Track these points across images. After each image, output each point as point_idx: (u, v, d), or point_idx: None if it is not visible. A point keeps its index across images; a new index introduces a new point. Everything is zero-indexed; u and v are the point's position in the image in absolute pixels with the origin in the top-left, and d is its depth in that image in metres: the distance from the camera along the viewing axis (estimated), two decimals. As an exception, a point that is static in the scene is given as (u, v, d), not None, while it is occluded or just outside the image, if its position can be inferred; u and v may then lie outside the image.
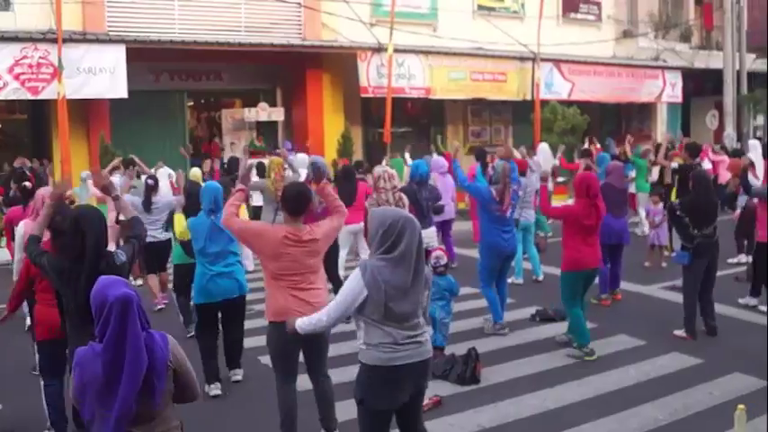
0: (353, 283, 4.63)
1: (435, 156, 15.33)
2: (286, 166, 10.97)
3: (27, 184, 11.32)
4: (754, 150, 16.92)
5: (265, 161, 12.97)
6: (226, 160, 16.37)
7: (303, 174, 11.59)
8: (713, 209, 9.24)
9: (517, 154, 14.55)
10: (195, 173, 13.01)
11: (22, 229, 7.86)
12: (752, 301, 10.58)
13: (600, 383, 7.65)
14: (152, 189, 10.90)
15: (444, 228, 13.27)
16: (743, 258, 12.98)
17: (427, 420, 5.37)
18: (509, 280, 11.77)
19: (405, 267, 4.58)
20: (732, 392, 7.26)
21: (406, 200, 9.19)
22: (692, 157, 12.00)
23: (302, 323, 5.03)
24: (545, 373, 7.96)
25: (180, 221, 8.24)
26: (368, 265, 4.62)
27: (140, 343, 3.52)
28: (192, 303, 8.48)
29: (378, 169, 9.53)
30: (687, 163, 12.36)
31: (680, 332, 9.17)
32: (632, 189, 16.70)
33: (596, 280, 9.51)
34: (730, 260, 12.84)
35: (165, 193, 11.97)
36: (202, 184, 8.71)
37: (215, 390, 7.51)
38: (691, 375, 7.84)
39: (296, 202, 5.96)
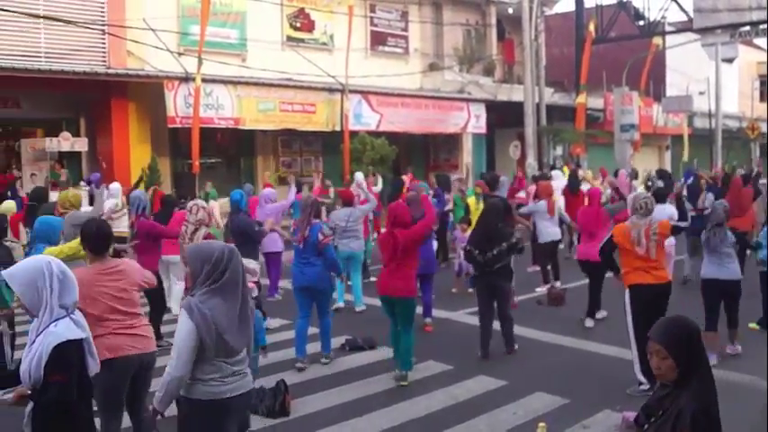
0: (184, 331, 4.38)
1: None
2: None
3: None
4: (557, 179, 17.54)
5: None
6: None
7: (111, 204, 11.13)
8: (494, 234, 9.46)
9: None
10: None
11: None
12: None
13: (409, 409, 7.69)
14: None
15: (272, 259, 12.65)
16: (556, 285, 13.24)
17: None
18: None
19: (233, 297, 4.48)
20: (534, 411, 7.51)
21: (201, 233, 8.74)
22: (491, 189, 12.25)
23: (159, 401, 4.52)
24: (355, 402, 7.93)
25: None
26: (192, 304, 4.41)
27: None
28: None
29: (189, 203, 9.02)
30: (485, 194, 12.66)
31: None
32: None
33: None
34: (538, 289, 13.18)
35: None
36: None
37: None
38: (496, 397, 8.04)
39: (97, 239, 5.69)
